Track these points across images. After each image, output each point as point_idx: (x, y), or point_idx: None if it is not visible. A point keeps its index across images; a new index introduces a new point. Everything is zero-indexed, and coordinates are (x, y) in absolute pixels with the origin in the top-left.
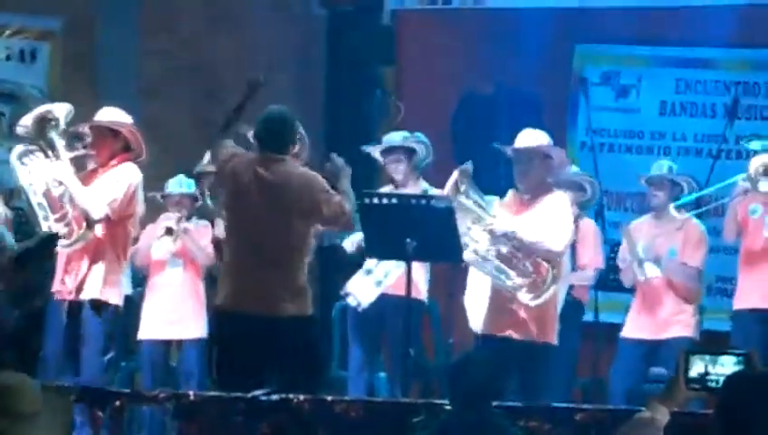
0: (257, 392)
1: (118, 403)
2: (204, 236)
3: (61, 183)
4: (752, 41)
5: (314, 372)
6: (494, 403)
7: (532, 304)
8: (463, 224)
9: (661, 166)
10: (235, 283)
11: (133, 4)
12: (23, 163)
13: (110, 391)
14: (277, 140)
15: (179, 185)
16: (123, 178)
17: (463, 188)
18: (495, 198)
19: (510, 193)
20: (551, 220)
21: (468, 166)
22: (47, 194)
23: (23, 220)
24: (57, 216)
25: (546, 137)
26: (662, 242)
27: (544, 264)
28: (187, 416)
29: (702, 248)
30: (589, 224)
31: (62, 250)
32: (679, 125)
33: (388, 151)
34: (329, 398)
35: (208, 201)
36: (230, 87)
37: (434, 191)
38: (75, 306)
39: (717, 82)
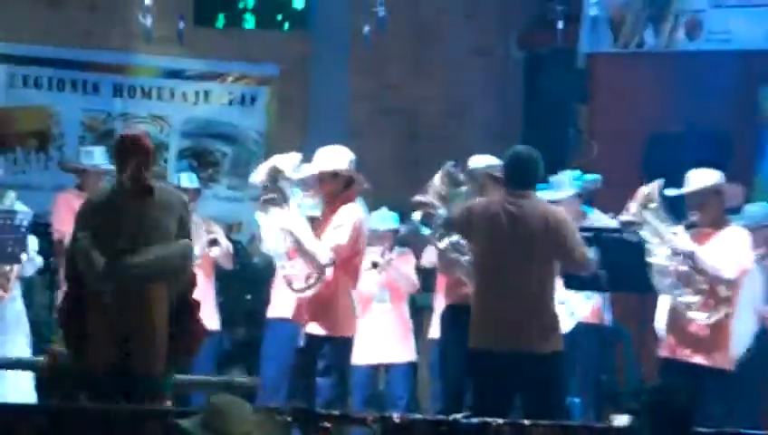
0: (458, 416)
1: (329, 424)
2: (406, 263)
3: (291, 232)
4: None
5: (559, 403)
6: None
7: (705, 322)
8: (645, 236)
9: None
10: (490, 321)
11: (343, 52)
12: (265, 213)
13: (321, 413)
14: (525, 178)
15: (383, 219)
16: (346, 221)
17: (652, 204)
18: (681, 225)
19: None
20: (727, 250)
21: (660, 183)
22: (281, 243)
23: (240, 252)
24: (291, 263)
25: (716, 174)
26: None
27: (720, 286)
28: None
29: None
30: None
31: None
32: None
33: None
34: (526, 422)
35: (420, 227)
36: (432, 127)
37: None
38: (313, 338)
39: None
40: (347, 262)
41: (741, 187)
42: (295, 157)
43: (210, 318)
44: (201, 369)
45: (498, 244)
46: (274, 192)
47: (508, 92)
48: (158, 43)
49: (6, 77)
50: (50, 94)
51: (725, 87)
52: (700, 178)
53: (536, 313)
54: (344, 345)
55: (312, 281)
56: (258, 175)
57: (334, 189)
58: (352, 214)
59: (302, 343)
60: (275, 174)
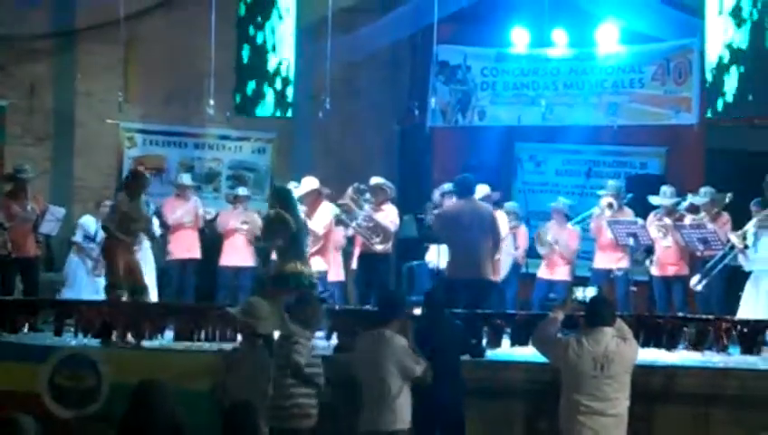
0: (366, 306)
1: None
2: (341, 234)
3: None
4: (597, 141)
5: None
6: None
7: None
8: None
9: (559, 201)
10: (461, 264)
11: (308, 125)
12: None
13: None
14: (472, 189)
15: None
16: (326, 212)
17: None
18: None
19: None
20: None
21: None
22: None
23: None
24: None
25: (486, 187)
26: (560, 235)
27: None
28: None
29: (576, 240)
30: (523, 228)
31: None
32: (565, 180)
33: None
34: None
35: (342, 215)
36: (354, 165)
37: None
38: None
39: (582, 160)
40: (328, 234)
41: (499, 192)
42: (294, 184)
43: (252, 257)
44: (247, 286)
45: (468, 225)
46: (303, 206)
47: (391, 147)
48: (216, 122)
49: (142, 139)
50: (162, 148)
51: (498, 143)
52: (479, 190)
53: (484, 260)
54: (326, 273)
55: (316, 243)
56: (298, 198)
57: (313, 198)
58: (326, 210)
59: None
60: (310, 195)
